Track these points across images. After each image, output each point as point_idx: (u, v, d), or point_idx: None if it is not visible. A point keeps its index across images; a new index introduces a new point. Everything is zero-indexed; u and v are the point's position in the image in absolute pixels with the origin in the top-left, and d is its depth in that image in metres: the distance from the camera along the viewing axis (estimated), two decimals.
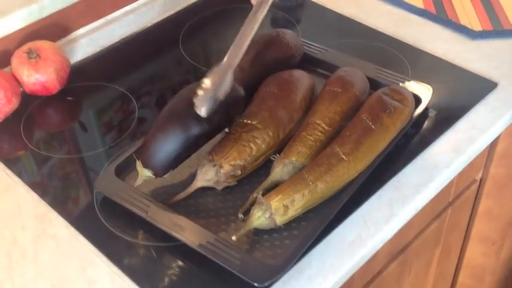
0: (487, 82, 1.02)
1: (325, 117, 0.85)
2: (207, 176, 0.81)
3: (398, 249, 0.98)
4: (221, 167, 0.81)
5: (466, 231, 1.22)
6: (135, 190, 0.82)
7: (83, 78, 1.07)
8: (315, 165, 0.80)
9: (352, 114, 0.87)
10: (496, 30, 1.12)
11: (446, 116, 0.96)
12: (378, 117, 0.84)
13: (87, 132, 0.99)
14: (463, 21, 1.14)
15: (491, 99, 0.99)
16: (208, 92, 0.78)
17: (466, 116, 0.96)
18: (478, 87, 1.01)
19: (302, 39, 1.04)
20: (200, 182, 0.82)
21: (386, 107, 0.85)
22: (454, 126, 0.94)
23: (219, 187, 0.83)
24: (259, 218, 0.76)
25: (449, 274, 1.29)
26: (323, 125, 0.85)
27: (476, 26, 1.13)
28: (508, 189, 1.16)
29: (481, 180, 1.14)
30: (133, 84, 1.06)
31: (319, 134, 0.84)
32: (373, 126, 0.84)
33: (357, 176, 0.82)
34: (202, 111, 0.78)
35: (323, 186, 0.79)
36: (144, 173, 0.81)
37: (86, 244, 0.80)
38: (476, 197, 1.16)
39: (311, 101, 0.91)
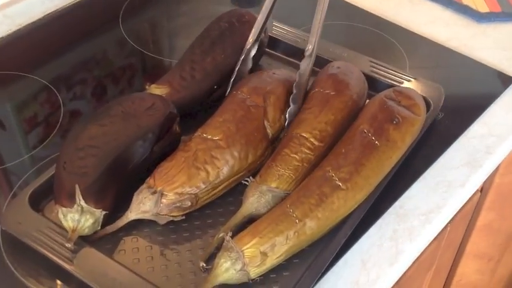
0: (501, 76, 0.92)
1: (314, 129, 0.74)
2: (143, 207, 0.68)
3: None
4: (163, 195, 0.68)
5: (459, 246, 1.13)
6: (56, 225, 0.67)
7: None
8: (301, 195, 0.68)
9: (348, 125, 0.76)
10: (505, 12, 1.04)
11: (456, 120, 0.86)
12: (382, 129, 0.73)
13: (5, 130, 0.86)
14: (466, 0, 1.07)
15: (508, 97, 0.89)
16: None
17: (480, 120, 0.87)
18: (491, 83, 0.92)
19: (275, 23, 0.95)
20: (134, 213, 0.68)
21: (393, 116, 0.74)
22: (466, 133, 0.85)
23: (161, 221, 0.69)
24: (227, 271, 0.63)
25: None
26: (312, 140, 0.73)
27: (482, 7, 1.06)
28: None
29: (482, 190, 1.03)
30: (60, 72, 0.94)
31: (307, 151, 0.72)
32: (376, 142, 0.72)
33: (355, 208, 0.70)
34: None
35: (313, 224, 0.66)
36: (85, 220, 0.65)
37: None
38: (474, 210, 1.07)
39: None
